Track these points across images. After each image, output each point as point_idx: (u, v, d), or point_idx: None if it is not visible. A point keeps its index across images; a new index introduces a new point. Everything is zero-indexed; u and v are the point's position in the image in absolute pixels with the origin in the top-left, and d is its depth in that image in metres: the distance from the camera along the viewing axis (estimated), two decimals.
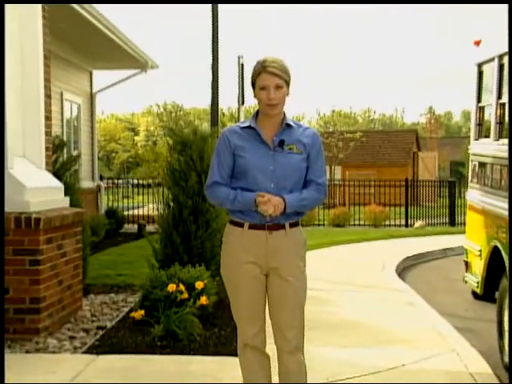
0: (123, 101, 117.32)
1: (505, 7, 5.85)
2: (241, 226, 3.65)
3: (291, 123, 3.68)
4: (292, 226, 3.69)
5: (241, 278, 3.66)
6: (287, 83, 3.62)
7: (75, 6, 10.86)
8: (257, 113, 3.74)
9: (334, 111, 47.38)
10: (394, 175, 27.09)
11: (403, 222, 20.46)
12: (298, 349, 3.72)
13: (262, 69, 3.58)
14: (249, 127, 3.66)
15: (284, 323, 3.69)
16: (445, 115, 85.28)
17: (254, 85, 3.65)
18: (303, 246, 3.76)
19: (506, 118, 5.89)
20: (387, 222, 20.33)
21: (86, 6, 11.20)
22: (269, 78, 3.56)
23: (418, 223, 20.27)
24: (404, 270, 11.72)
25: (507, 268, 5.28)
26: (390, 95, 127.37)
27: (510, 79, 5.63)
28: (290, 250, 3.66)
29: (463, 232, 7.63)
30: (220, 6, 10.43)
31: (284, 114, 3.69)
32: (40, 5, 6.51)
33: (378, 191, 22.82)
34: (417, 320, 6.99)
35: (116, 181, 24.76)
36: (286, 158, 3.61)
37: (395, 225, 20.26)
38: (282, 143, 3.61)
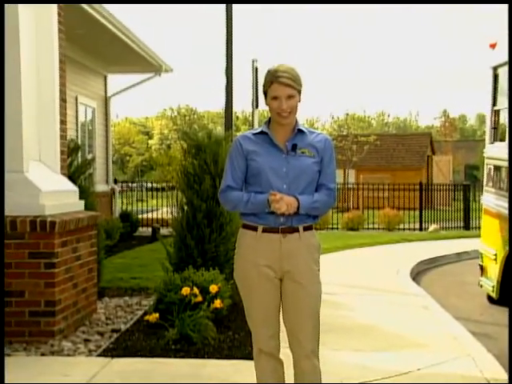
0: (137, 104, 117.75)
1: None
2: (254, 229, 3.65)
3: (303, 129, 3.71)
4: (306, 229, 3.68)
5: (255, 281, 3.65)
6: (299, 92, 3.65)
7: (91, 10, 10.92)
8: (269, 119, 3.75)
9: (347, 114, 47.28)
10: (408, 179, 26.99)
11: (417, 225, 20.38)
12: (314, 353, 3.71)
13: (273, 79, 3.59)
14: (261, 133, 3.70)
15: (298, 328, 3.68)
16: (459, 118, 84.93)
17: (265, 94, 3.68)
18: (317, 249, 3.75)
19: None
20: (401, 226, 20.27)
21: (101, 10, 11.26)
22: (280, 88, 3.58)
23: (432, 227, 20.19)
24: (418, 273, 11.68)
25: None
26: (404, 98, 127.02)
27: (509, 79, 5.61)
28: (303, 253, 3.65)
29: (478, 236, 7.61)
30: (234, 7, 10.44)
31: (296, 121, 3.70)
32: (56, 9, 6.55)
33: (392, 195, 22.77)
34: (432, 324, 6.96)
35: (130, 184, 24.85)
36: (298, 161, 3.63)
37: (409, 228, 20.19)
38: (294, 147, 3.64)
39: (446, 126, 53.10)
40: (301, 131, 3.69)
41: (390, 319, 7.15)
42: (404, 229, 20.11)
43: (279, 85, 3.57)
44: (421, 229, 20.19)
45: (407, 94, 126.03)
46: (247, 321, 3.83)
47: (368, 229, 20.20)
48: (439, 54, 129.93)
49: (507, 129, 5.67)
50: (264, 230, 3.63)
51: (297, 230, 3.64)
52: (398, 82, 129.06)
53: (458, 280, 11.06)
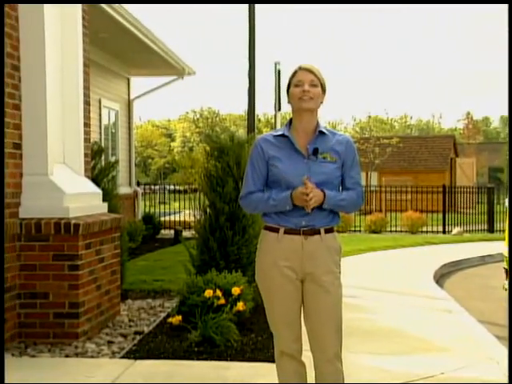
0: (160, 107, 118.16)
1: None
2: (276, 231, 3.63)
3: (324, 131, 3.67)
4: (327, 231, 3.67)
5: (276, 282, 3.64)
6: (322, 87, 3.64)
7: (114, 13, 10.99)
8: (290, 121, 3.73)
9: (369, 117, 47.11)
10: (431, 181, 26.86)
11: (440, 228, 20.27)
12: (336, 357, 3.68)
13: (297, 69, 3.66)
14: (282, 135, 3.66)
15: (320, 331, 3.66)
16: (483, 120, 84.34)
17: (288, 89, 3.67)
18: (338, 252, 3.74)
19: None
20: (424, 229, 20.17)
21: (124, 13, 11.32)
22: (303, 73, 3.61)
23: (455, 230, 20.06)
24: (442, 276, 11.61)
25: None
26: (427, 100, 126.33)
27: (509, 79, 5.56)
28: (325, 255, 3.64)
29: (502, 239, 7.55)
30: (257, 7, 10.44)
31: (317, 122, 3.68)
32: (80, 13, 6.60)
33: (415, 197, 22.66)
34: (455, 328, 6.92)
35: (153, 187, 24.98)
36: (320, 167, 3.60)
37: (432, 231, 20.08)
38: (315, 151, 3.60)
39: (469, 128, 52.73)
40: (322, 133, 3.66)
41: (413, 323, 7.11)
42: (427, 231, 20.00)
43: (302, 71, 3.62)
44: (444, 232, 20.08)
45: (430, 96, 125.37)
46: (269, 323, 3.82)
47: (391, 231, 20.13)
48: (463, 56, 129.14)
49: (507, 129, 5.63)
50: (286, 232, 3.61)
51: (318, 232, 3.63)
52: (420, 83, 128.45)
53: (481, 283, 10.98)
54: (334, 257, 3.69)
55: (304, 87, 3.57)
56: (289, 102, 3.70)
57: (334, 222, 3.71)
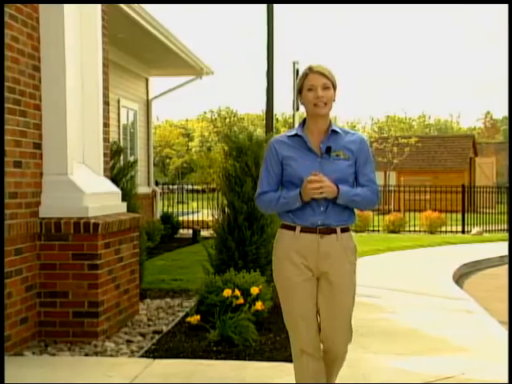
0: (178, 106, 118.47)
1: None
2: (293, 229, 3.67)
3: (337, 129, 3.71)
4: (343, 231, 3.69)
5: (293, 280, 3.67)
6: (334, 87, 3.67)
7: (133, 14, 11.02)
8: (303, 122, 3.78)
9: (388, 116, 46.96)
10: (450, 181, 26.72)
11: (460, 228, 20.16)
12: (342, 358, 3.85)
13: (308, 71, 3.67)
14: (296, 135, 3.71)
15: (330, 330, 3.73)
16: (502, 120, 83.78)
17: (300, 91, 3.70)
18: (353, 251, 3.76)
19: None
20: (443, 229, 20.07)
21: (143, 13, 11.36)
22: (315, 77, 3.63)
23: (475, 230, 19.95)
24: (461, 277, 11.54)
25: None
26: (446, 100, 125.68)
27: (509, 79, 5.51)
28: (340, 255, 3.67)
29: None
30: (276, 8, 10.44)
31: (330, 121, 3.72)
32: (100, 14, 6.63)
33: (433, 197, 22.56)
34: (475, 328, 6.87)
35: (171, 186, 25.03)
36: (333, 165, 3.63)
37: (451, 231, 19.97)
38: (328, 150, 3.64)
39: (488, 127, 52.41)
40: (335, 132, 3.69)
41: (432, 323, 7.08)
42: (446, 231, 19.90)
43: (314, 74, 3.63)
44: (463, 231, 19.97)
45: (448, 96, 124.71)
46: (285, 321, 3.83)
47: (409, 231, 20.05)
48: (482, 54, 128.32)
49: (508, 129, 5.60)
50: (302, 230, 3.65)
51: (334, 231, 3.66)
52: (439, 82, 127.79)
53: (501, 283, 10.89)
54: (350, 256, 3.72)
55: (318, 93, 3.61)
56: (301, 103, 3.75)
57: (349, 221, 3.73)
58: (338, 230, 3.66)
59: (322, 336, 3.77)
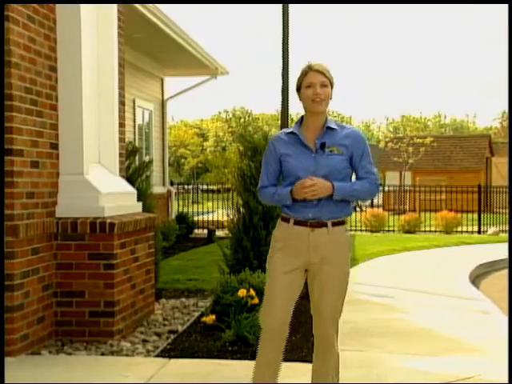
0: (192, 106, 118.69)
1: None
2: (287, 221, 3.87)
3: (333, 126, 3.85)
4: (335, 224, 3.82)
5: (278, 271, 3.86)
6: (331, 85, 3.84)
7: (148, 14, 11.06)
8: (301, 119, 3.93)
9: (403, 116, 46.80)
10: (466, 181, 26.56)
11: (476, 228, 20.05)
12: (332, 342, 3.93)
13: (307, 69, 3.83)
14: (292, 133, 3.90)
15: (320, 315, 3.91)
16: None
17: (299, 88, 3.87)
18: (346, 245, 3.90)
19: None
20: (459, 229, 19.97)
21: (158, 13, 11.39)
22: (315, 75, 3.79)
23: (491, 230, 19.84)
24: (477, 277, 11.48)
25: None
26: (461, 99, 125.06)
27: (509, 79, 5.48)
28: (330, 247, 3.82)
29: None
30: (291, 7, 10.40)
31: (326, 118, 3.87)
32: (116, 14, 6.66)
33: (449, 197, 22.46)
34: (492, 329, 6.84)
35: (186, 186, 25.05)
36: (327, 160, 3.80)
37: (467, 231, 19.87)
38: (323, 146, 3.80)
39: (504, 127, 52.08)
40: (330, 128, 3.84)
41: (448, 323, 7.05)
42: (462, 231, 19.81)
43: (314, 72, 3.80)
44: (479, 232, 19.86)
45: (464, 95, 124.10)
46: (263, 304, 3.98)
47: (425, 231, 19.98)
48: (496, 54, 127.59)
49: (508, 129, 5.57)
50: (295, 223, 3.83)
51: (325, 225, 3.81)
52: (455, 82, 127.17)
53: None
54: (341, 249, 3.86)
55: (316, 89, 3.77)
56: (300, 100, 3.90)
57: (342, 215, 3.87)
58: (329, 223, 3.81)
59: (313, 323, 4.00)
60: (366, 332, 6.58)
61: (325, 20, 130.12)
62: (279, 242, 3.90)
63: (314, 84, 3.77)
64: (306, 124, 3.88)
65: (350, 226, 20.43)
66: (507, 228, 20.48)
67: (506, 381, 4.84)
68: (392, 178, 35.02)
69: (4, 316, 5.31)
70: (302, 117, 3.94)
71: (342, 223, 3.86)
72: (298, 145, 3.86)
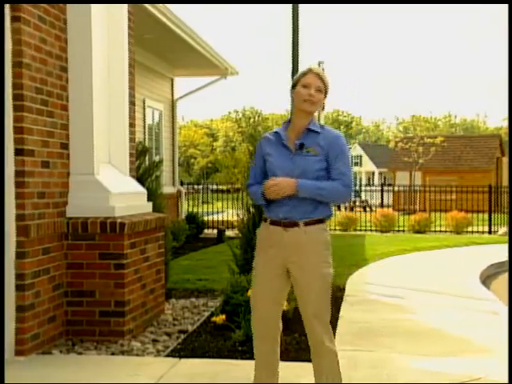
0: (203, 107, 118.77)
1: None
2: (266, 221, 4.01)
3: (315, 128, 3.95)
4: (308, 224, 3.89)
5: (259, 270, 4.01)
6: (325, 93, 3.96)
7: (158, 14, 11.07)
8: (289, 120, 4.06)
9: (413, 116, 46.67)
10: (476, 181, 26.51)
11: (486, 228, 19.98)
12: (320, 341, 3.96)
13: (308, 70, 3.96)
14: (276, 133, 4.04)
15: (305, 315, 3.95)
16: None
17: (294, 86, 3.96)
18: (323, 244, 3.94)
19: None
20: (469, 229, 19.90)
21: (168, 14, 11.41)
22: (313, 77, 3.92)
23: (502, 230, 19.76)
24: (488, 277, 11.44)
25: None
26: (472, 99, 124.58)
27: (509, 79, 5.46)
28: (305, 247, 3.88)
29: None
30: (301, 7, 10.39)
31: (312, 120, 3.97)
32: (126, 15, 6.68)
33: (459, 197, 22.40)
34: (501, 330, 6.81)
35: (195, 186, 25.10)
36: (303, 160, 3.89)
37: (478, 231, 19.80)
38: (301, 146, 3.91)
39: None
40: (310, 130, 3.94)
41: (458, 324, 7.03)
42: (472, 232, 19.74)
43: (313, 75, 3.93)
44: (490, 232, 19.79)
45: (474, 95, 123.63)
46: (251, 306, 4.11)
47: (435, 231, 19.92)
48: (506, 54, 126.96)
49: (507, 129, 5.54)
50: (271, 222, 3.96)
51: (297, 225, 3.88)
52: (465, 82, 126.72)
53: None
54: (318, 248, 3.91)
55: (311, 91, 3.89)
56: (292, 97, 3.99)
57: (315, 214, 3.92)
58: (301, 223, 3.88)
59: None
60: (376, 332, 6.57)
61: (332, 20, 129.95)
62: (261, 241, 4.03)
63: (310, 85, 3.89)
64: (292, 124, 4.00)
65: (360, 226, 20.44)
66: None
67: (508, 381, 4.82)
68: (402, 178, 34.96)
69: (15, 315, 5.34)
70: (290, 118, 4.07)
71: (318, 223, 3.92)
72: (279, 145, 3.98)
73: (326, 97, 3.99)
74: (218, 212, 21.01)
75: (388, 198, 29.25)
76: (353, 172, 4.19)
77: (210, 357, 5.52)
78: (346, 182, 3.90)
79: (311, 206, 3.89)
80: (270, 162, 3.98)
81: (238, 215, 7.71)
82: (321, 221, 3.93)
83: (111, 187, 6.10)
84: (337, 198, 4.01)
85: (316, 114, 4.06)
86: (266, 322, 4.06)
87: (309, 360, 5.30)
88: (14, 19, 5.30)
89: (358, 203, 31.18)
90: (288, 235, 3.89)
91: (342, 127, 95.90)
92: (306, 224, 3.88)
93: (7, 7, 5.27)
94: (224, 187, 26.48)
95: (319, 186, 3.85)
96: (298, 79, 3.96)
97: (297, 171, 3.87)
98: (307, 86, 3.90)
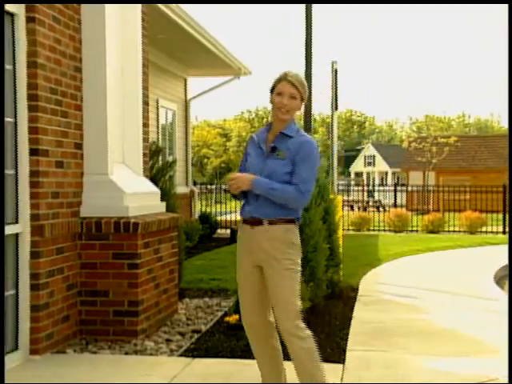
0: (216, 106, 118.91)
1: None
2: (241, 219, 4.16)
3: (289, 133, 4.05)
4: (272, 223, 3.99)
5: (239, 269, 4.15)
6: (301, 98, 4.07)
7: (172, 14, 11.09)
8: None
9: (426, 116, 46.52)
10: (490, 181, 26.39)
11: (500, 229, 19.88)
12: (287, 333, 4.03)
13: (283, 77, 4.05)
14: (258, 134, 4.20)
15: (276, 310, 4.03)
16: None
17: (272, 90, 4.09)
18: (286, 243, 4.00)
19: None
20: (483, 229, 19.81)
21: (181, 14, 11.42)
22: (287, 85, 4.02)
23: None
24: (502, 278, 11.38)
25: None
26: (486, 99, 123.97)
27: (509, 79, 5.43)
28: (270, 246, 3.98)
29: None
30: (314, 7, 10.39)
31: (288, 125, 4.07)
32: (140, 15, 6.69)
33: (473, 197, 22.30)
34: None
35: (209, 186, 25.12)
36: (273, 163, 4.03)
37: (492, 232, 19.71)
38: (273, 149, 4.05)
39: None
40: (284, 134, 4.04)
41: (473, 324, 7.00)
42: (486, 232, 19.65)
43: (287, 82, 4.02)
44: (504, 232, 19.68)
45: (489, 95, 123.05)
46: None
47: (449, 231, 19.85)
48: None
49: (507, 130, 5.51)
50: (243, 221, 4.13)
51: (261, 223, 4.01)
52: (478, 81, 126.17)
53: None
54: (280, 247, 3.99)
55: (283, 101, 4.01)
56: (270, 102, 4.13)
57: (279, 214, 4.01)
58: (266, 222, 4.00)
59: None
60: (390, 332, 6.55)
61: (345, 20, 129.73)
62: (238, 240, 4.19)
63: (283, 93, 4.00)
64: (273, 126, 4.14)
65: (374, 227, 20.39)
66: None
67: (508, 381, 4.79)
68: (415, 178, 34.85)
69: (30, 315, 5.36)
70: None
71: (284, 223, 4.00)
72: (256, 146, 4.14)
73: (303, 101, 4.09)
74: (230, 212, 21.01)
75: (401, 198, 29.18)
76: (314, 179, 4.22)
77: (223, 357, 5.52)
78: (301, 189, 3.96)
79: (275, 206, 3.99)
80: (249, 161, 4.15)
81: None
82: (287, 221, 4.01)
83: (125, 187, 6.11)
84: (289, 202, 4.01)
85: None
86: (251, 321, 4.20)
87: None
88: (29, 20, 5.32)
89: (371, 203, 31.13)
90: (254, 233, 4.03)
91: (355, 127, 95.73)
92: (271, 223, 3.99)
93: (22, 7, 5.30)
94: None
95: (272, 186, 3.95)
96: (274, 85, 4.07)
97: (266, 172, 4.01)
98: (281, 93, 4.02)
